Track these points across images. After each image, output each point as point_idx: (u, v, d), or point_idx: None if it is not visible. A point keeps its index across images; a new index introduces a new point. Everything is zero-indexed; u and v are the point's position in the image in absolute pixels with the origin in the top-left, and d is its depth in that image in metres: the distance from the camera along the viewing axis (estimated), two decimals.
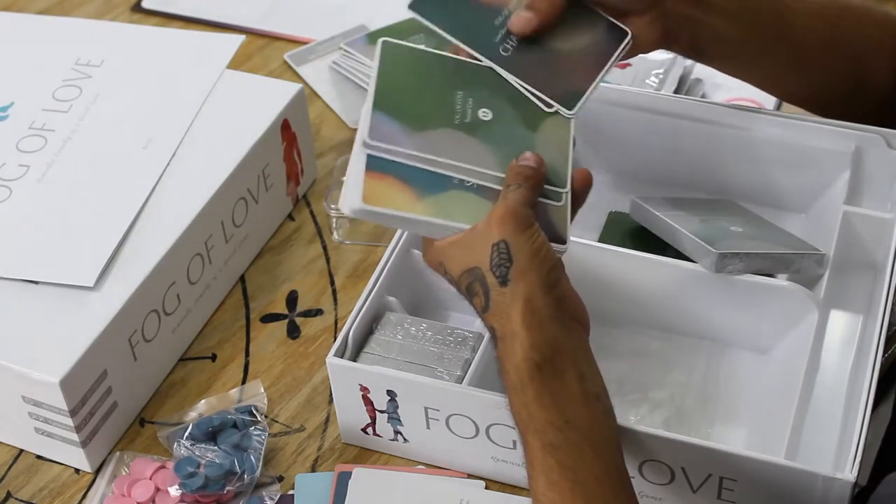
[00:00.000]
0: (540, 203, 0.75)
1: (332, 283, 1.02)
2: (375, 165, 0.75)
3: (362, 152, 0.75)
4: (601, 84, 0.81)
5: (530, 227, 0.72)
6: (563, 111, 0.79)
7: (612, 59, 0.81)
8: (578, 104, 0.79)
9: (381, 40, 0.79)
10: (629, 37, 0.82)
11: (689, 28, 0.86)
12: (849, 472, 0.75)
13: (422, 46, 0.80)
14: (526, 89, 0.79)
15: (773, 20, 0.89)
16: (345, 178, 0.76)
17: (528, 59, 0.80)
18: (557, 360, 0.71)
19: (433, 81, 0.79)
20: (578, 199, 0.77)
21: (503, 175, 0.75)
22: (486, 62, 0.79)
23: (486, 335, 0.87)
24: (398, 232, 0.93)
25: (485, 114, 0.78)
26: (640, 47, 0.85)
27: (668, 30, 0.85)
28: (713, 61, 0.91)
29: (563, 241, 0.75)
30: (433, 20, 0.80)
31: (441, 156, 0.75)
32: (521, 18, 0.80)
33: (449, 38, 0.79)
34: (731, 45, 0.88)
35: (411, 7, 0.80)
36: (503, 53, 0.79)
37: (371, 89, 0.77)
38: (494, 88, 0.79)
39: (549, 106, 0.79)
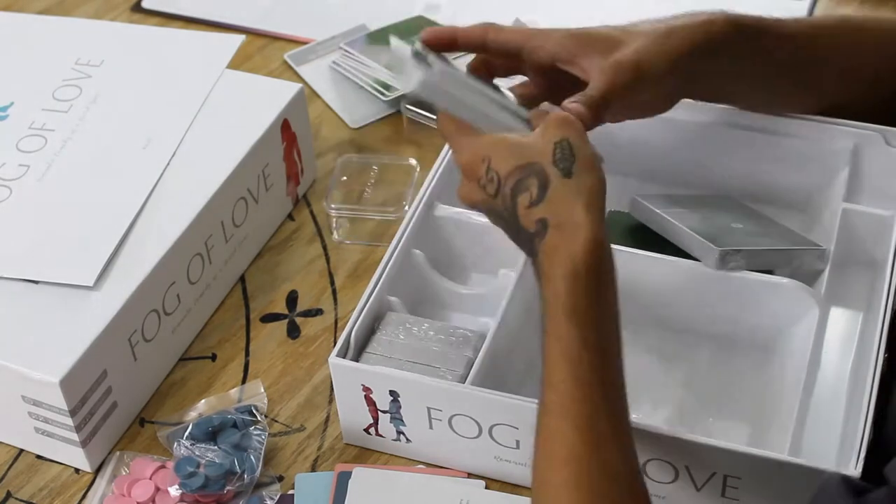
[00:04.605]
0: None
1: (332, 283, 1.01)
2: None
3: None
4: None
5: (588, 139, 0.74)
6: None
7: None
8: None
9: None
10: None
11: (711, 93, 0.91)
12: (853, 468, 0.75)
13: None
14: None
15: (792, 71, 0.90)
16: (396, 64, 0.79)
17: None
18: (606, 265, 0.71)
19: None
20: None
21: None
22: None
23: (490, 334, 0.86)
24: (398, 231, 0.92)
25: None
26: (658, 112, 0.88)
27: (690, 95, 0.90)
28: (735, 106, 0.95)
29: None
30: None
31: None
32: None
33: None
34: (746, 100, 0.92)
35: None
36: None
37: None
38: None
39: None
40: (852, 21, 0.95)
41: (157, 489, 0.86)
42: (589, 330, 0.69)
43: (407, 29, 1.17)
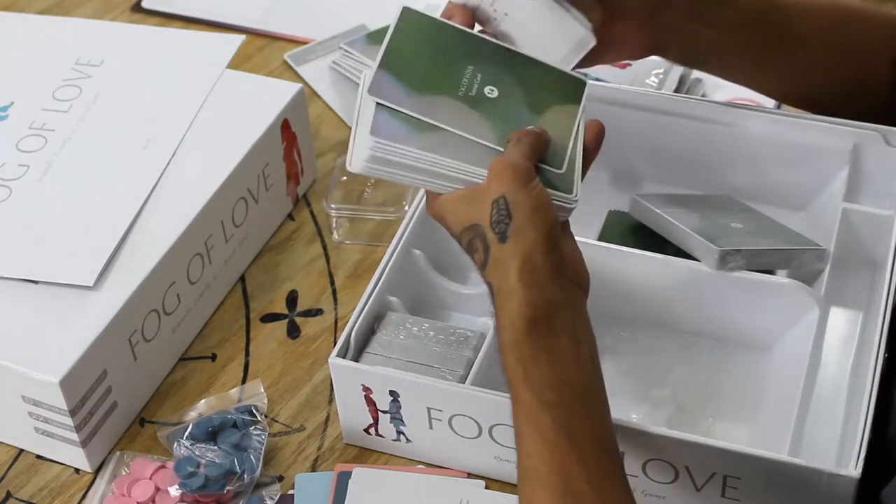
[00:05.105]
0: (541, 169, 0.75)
1: (332, 283, 1.02)
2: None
3: (370, 102, 0.75)
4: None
5: (530, 182, 0.72)
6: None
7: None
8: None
9: (402, 7, 0.79)
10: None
11: (683, 40, 0.87)
12: (853, 469, 0.75)
13: (441, 18, 0.79)
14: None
15: (775, 29, 0.89)
16: (351, 135, 0.75)
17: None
18: (552, 319, 0.70)
19: (445, 52, 0.78)
20: (591, 152, 0.78)
21: (500, 148, 0.75)
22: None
23: (490, 333, 0.87)
24: (398, 231, 0.92)
25: (490, 91, 0.78)
26: (629, 54, 0.85)
27: (661, 40, 0.85)
28: (709, 69, 0.92)
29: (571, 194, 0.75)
30: None
31: (438, 120, 0.75)
32: None
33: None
34: (728, 55, 0.89)
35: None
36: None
37: (381, 48, 0.77)
38: (507, 68, 0.79)
39: None
40: (842, 6, 0.95)
41: (157, 489, 0.86)
42: (544, 390, 0.69)
43: None
